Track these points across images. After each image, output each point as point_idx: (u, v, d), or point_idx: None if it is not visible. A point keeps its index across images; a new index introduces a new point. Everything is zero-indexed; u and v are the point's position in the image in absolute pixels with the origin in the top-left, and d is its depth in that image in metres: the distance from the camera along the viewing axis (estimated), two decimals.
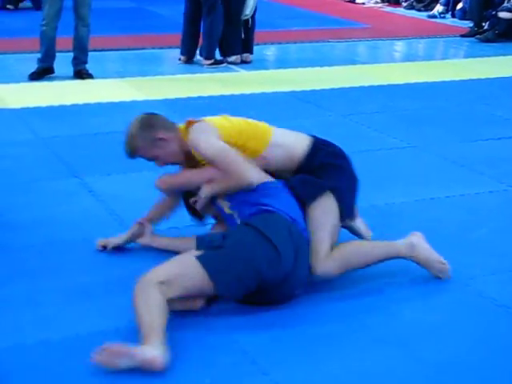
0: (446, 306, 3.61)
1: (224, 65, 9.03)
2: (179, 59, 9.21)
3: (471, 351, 3.24)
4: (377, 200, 4.83)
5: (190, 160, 3.87)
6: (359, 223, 4.12)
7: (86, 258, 4.02)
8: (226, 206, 3.78)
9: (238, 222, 3.66)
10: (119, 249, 4.09)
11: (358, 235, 4.11)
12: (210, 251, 3.44)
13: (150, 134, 3.81)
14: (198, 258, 3.39)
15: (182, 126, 3.92)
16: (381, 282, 3.80)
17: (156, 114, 3.96)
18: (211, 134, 3.78)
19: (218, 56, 9.14)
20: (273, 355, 3.18)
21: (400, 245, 3.82)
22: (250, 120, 4.03)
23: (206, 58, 8.99)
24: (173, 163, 3.93)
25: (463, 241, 4.31)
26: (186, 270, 3.38)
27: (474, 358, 3.19)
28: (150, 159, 3.91)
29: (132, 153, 3.90)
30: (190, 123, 3.88)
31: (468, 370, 3.11)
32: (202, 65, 8.92)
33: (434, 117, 6.94)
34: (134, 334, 3.28)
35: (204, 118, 3.93)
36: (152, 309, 3.19)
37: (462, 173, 5.44)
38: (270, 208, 3.60)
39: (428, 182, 5.21)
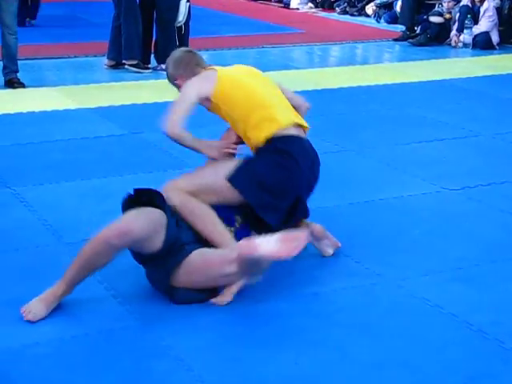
0: (379, 306, 3.64)
1: (149, 71, 9.02)
2: (105, 64, 9.21)
3: (405, 351, 3.27)
4: (310, 203, 4.81)
5: None
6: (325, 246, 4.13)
7: (19, 269, 3.96)
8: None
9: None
10: (54, 260, 4.04)
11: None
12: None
13: (172, 72, 4.17)
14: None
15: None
16: (314, 286, 3.82)
17: (195, 55, 4.34)
18: (197, 85, 4.03)
19: (154, 63, 9.13)
20: (207, 362, 3.17)
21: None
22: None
23: (125, 59, 8.97)
24: None
25: (396, 242, 4.36)
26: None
27: (409, 358, 3.22)
28: None
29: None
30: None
31: (403, 369, 3.14)
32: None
33: (367, 120, 7.01)
34: (67, 345, 3.26)
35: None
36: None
37: (396, 175, 5.50)
38: None
39: (362, 185, 5.25)
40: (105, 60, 9.24)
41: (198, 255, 3.62)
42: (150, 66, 9.08)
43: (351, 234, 4.42)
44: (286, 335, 3.37)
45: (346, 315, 3.55)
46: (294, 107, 4.13)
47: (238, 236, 3.74)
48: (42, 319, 3.44)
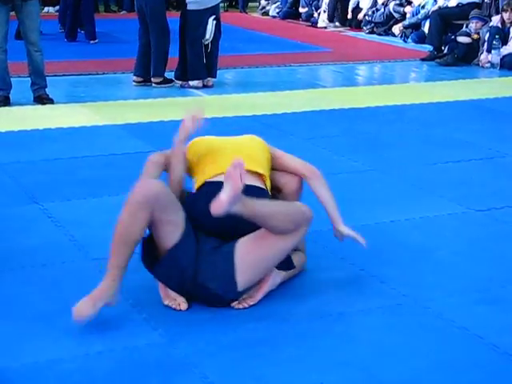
0: (405, 327, 3.63)
1: (171, 84, 9.13)
2: (133, 80, 9.33)
3: (431, 373, 3.26)
4: None
5: None
6: None
7: (46, 285, 3.99)
8: None
9: None
10: (80, 276, 4.07)
11: None
12: None
13: None
14: None
15: None
16: (339, 306, 3.81)
17: None
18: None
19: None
20: (232, 380, 3.17)
21: None
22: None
23: (153, 76, 9.14)
24: None
25: (422, 263, 4.34)
26: None
27: (434, 380, 3.21)
28: None
29: None
30: None
31: None
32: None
33: (394, 140, 7.00)
34: (92, 361, 3.28)
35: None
36: None
37: (422, 195, 5.48)
38: None
39: (388, 205, 5.24)
40: (133, 76, 9.35)
41: (244, 241, 3.69)
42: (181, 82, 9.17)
43: (377, 254, 4.41)
44: (311, 355, 3.37)
45: (372, 336, 3.54)
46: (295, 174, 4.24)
47: None
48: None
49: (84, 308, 3.47)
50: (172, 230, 3.64)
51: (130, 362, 3.29)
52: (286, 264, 3.87)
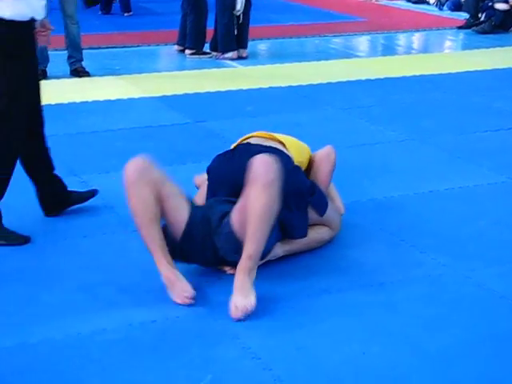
0: (446, 298, 3.61)
1: (209, 56, 9.20)
2: (175, 49, 9.60)
3: (473, 343, 3.25)
4: (376, 193, 4.83)
5: None
6: None
7: (88, 257, 4.02)
8: None
9: None
10: (120, 247, 4.09)
11: None
12: None
13: None
14: None
15: None
16: (380, 276, 3.81)
17: None
18: None
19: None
20: (274, 350, 3.18)
21: None
22: None
23: (187, 48, 9.27)
24: None
25: (463, 233, 4.31)
26: None
27: (476, 350, 3.19)
28: None
29: None
30: None
31: (470, 361, 3.11)
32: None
33: (431, 109, 6.94)
34: (135, 332, 3.31)
35: None
36: None
37: (461, 165, 5.43)
38: None
39: (427, 175, 5.21)
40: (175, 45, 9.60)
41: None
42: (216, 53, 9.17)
43: (416, 224, 4.39)
44: (352, 325, 3.37)
45: (413, 306, 3.53)
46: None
47: None
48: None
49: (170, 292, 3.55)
50: (179, 208, 3.67)
51: (172, 333, 3.32)
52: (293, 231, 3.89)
